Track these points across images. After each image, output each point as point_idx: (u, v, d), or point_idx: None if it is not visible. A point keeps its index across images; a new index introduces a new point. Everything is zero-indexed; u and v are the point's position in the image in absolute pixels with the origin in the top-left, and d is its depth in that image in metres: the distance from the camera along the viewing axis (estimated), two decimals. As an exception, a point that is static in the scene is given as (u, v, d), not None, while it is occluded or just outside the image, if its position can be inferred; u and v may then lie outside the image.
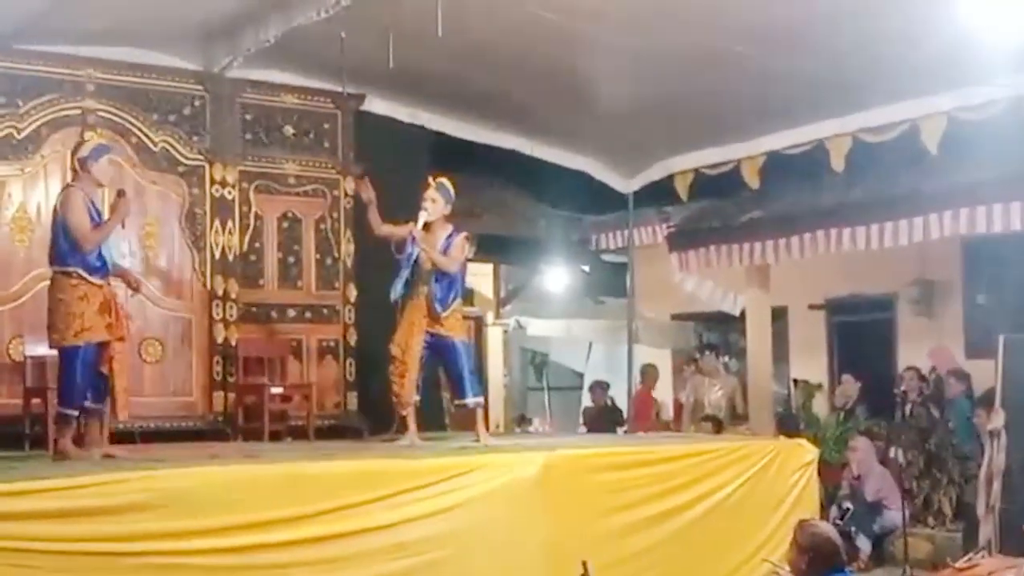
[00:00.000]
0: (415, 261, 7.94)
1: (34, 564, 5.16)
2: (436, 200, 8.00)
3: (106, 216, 7.10)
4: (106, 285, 6.94)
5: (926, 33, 7.30)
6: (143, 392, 8.72)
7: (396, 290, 7.95)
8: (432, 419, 10.34)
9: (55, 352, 7.67)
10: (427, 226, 7.98)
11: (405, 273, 7.94)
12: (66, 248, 6.82)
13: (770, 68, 8.23)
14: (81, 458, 6.77)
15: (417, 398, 8.07)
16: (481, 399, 8.31)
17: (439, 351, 8.04)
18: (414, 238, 7.90)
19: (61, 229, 6.85)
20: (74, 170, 7.11)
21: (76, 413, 6.88)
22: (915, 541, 9.20)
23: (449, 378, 8.27)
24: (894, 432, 10.13)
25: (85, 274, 6.80)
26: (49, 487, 5.37)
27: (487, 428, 8.55)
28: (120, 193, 7.26)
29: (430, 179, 8.13)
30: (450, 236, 8.05)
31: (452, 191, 8.12)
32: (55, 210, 6.99)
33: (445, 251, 7.97)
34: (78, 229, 6.79)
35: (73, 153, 7.17)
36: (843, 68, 8.14)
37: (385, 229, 8.09)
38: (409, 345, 7.90)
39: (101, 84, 8.77)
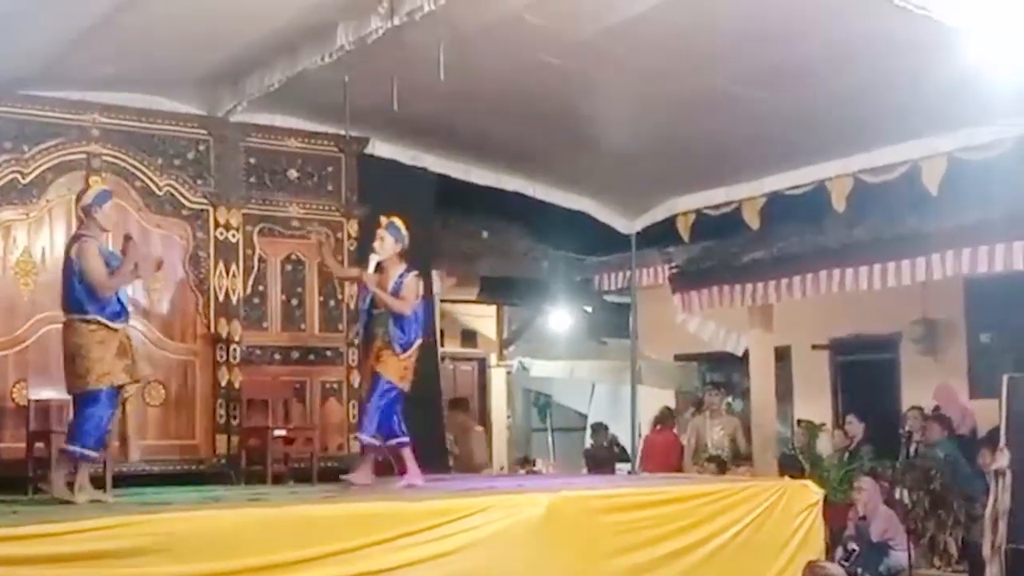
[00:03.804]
0: (371, 303, 7.95)
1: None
2: (385, 239, 8.00)
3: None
4: (123, 329, 7.11)
5: (927, 75, 7.35)
6: (146, 435, 8.73)
7: (360, 336, 7.98)
8: (435, 460, 10.35)
9: (62, 396, 7.82)
10: (380, 267, 7.96)
11: (363, 318, 7.98)
12: (84, 295, 6.97)
13: (771, 110, 8.28)
14: (72, 500, 6.85)
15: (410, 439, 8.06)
16: (398, 441, 8.01)
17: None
18: (364, 282, 7.93)
19: (77, 277, 6.99)
20: (79, 218, 7.31)
21: (96, 454, 7.06)
22: (921, 582, 9.16)
23: (361, 411, 8.19)
24: (899, 472, 10.10)
25: (105, 320, 6.99)
26: (52, 531, 5.37)
27: (414, 472, 8.14)
28: (127, 238, 7.35)
29: (381, 218, 8.17)
30: (401, 276, 8.02)
31: (403, 230, 8.12)
32: (68, 258, 7.11)
33: (396, 291, 7.94)
34: (96, 277, 6.97)
35: (77, 200, 7.35)
36: (844, 110, 8.19)
37: (351, 272, 8.17)
38: (365, 388, 7.94)
39: (106, 129, 8.81)
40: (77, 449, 6.96)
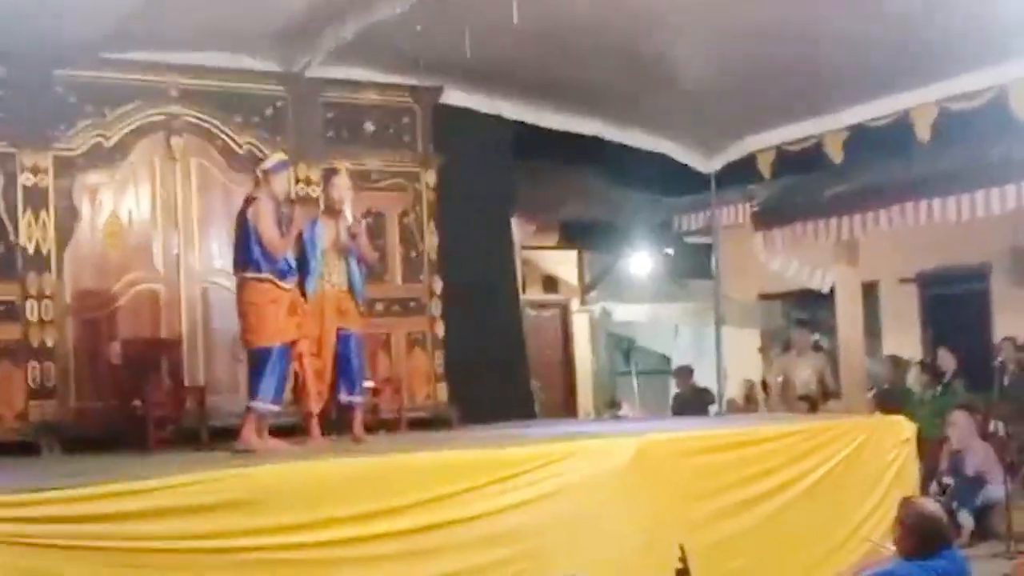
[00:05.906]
0: (320, 252, 7.75)
1: (136, 563, 5.25)
2: (350, 187, 7.94)
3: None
4: (292, 287, 7.39)
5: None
6: (238, 389, 8.85)
7: (312, 284, 7.70)
8: (522, 407, 10.40)
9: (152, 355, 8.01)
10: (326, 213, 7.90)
11: (316, 266, 7.72)
12: (259, 255, 7.26)
13: (849, 38, 8.10)
14: (265, 450, 7.13)
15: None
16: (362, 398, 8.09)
17: (341, 344, 7.86)
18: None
19: (253, 237, 7.25)
20: (256, 181, 7.53)
21: (275, 408, 7.36)
22: (1019, 515, 9.00)
23: (343, 372, 7.86)
24: (993, 405, 9.93)
25: (277, 280, 7.28)
26: (144, 488, 5.41)
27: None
28: (291, 202, 7.64)
29: (336, 165, 8.19)
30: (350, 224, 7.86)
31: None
32: (244, 219, 7.33)
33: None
34: (270, 238, 7.24)
35: (257, 164, 7.72)
36: (925, 35, 7.99)
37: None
38: (324, 342, 7.74)
39: (184, 89, 8.89)
40: (259, 404, 7.27)
